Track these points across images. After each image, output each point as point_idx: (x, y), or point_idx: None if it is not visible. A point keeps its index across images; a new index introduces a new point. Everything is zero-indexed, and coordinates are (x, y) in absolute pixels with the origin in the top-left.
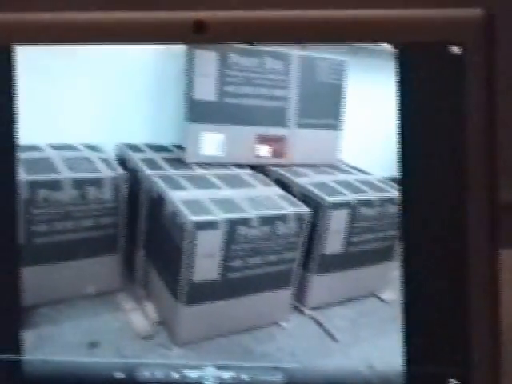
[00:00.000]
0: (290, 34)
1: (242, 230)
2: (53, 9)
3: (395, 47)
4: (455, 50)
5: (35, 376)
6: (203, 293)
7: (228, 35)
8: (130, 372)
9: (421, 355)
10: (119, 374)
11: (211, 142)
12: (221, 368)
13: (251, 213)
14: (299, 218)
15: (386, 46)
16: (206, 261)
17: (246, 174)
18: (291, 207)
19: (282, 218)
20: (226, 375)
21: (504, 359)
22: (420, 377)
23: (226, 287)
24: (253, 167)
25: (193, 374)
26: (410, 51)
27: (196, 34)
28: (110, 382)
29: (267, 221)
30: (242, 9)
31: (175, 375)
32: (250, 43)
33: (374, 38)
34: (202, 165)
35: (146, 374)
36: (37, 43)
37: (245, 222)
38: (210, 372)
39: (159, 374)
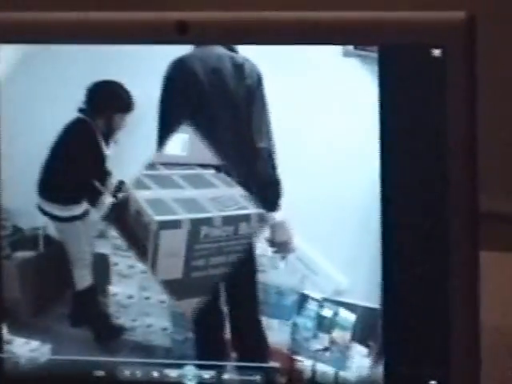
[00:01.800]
0: (273, 35)
1: (205, 229)
2: (37, 9)
3: (377, 49)
4: (436, 52)
5: (15, 373)
6: (167, 291)
7: (210, 36)
8: (110, 370)
9: (401, 358)
10: (99, 373)
11: (175, 141)
12: (201, 367)
13: (214, 213)
14: (262, 218)
15: None
16: (169, 260)
17: (209, 174)
18: (254, 207)
19: (245, 218)
20: (206, 374)
21: (483, 361)
22: (400, 379)
23: (190, 286)
24: (217, 167)
25: (173, 373)
26: (392, 53)
27: (178, 35)
28: (90, 380)
29: (230, 220)
30: (226, 10)
31: (155, 374)
32: (232, 44)
33: (356, 40)
34: (166, 164)
35: (126, 372)
36: (20, 42)
37: (208, 221)
38: (190, 371)
39: (139, 373)
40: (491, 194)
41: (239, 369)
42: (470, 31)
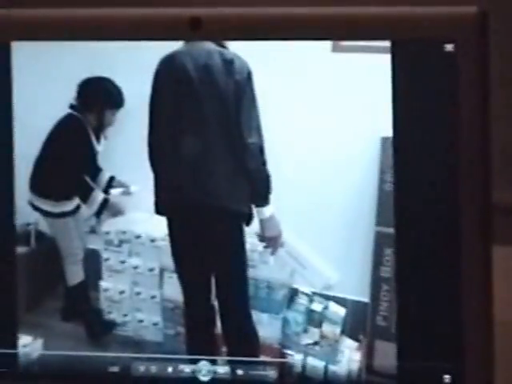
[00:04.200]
0: (285, 31)
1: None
2: (51, 5)
3: (390, 44)
4: (448, 47)
5: (31, 370)
6: None
7: (223, 32)
8: (124, 366)
9: (414, 353)
10: (114, 368)
11: None
12: (215, 362)
13: None
14: None
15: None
16: None
17: None
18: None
19: None
20: (220, 369)
21: (497, 355)
22: (414, 373)
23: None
24: None
25: (187, 368)
26: (404, 48)
27: (192, 31)
28: (104, 376)
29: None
30: (239, 5)
31: (169, 369)
32: (245, 39)
33: (370, 35)
34: None
35: (140, 368)
36: (34, 39)
37: None
38: (204, 366)
39: (154, 368)
40: (504, 187)
41: (253, 364)
42: (482, 26)
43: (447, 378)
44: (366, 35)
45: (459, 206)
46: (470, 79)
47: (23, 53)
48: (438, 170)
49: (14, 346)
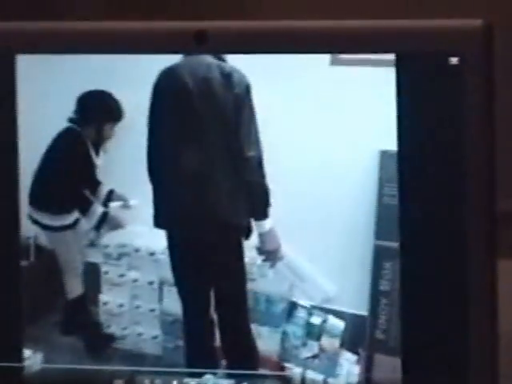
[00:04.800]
0: (290, 44)
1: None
2: (56, 18)
3: (395, 57)
4: (454, 60)
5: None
6: None
7: (229, 45)
8: (129, 379)
9: (418, 365)
10: (119, 382)
11: None
12: (220, 376)
13: None
14: None
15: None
16: None
17: None
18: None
19: None
20: (226, 383)
21: (501, 367)
22: None
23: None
24: None
25: (192, 382)
26: (409, 61)
27: (197, 44)
28: None
29: None
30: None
31: (175, 383)
32: (251, 53)
33: (374, 48)
34: None
35: (145, 381)
36: (38, 52)
37: None
38: (209, 379)
39: (159, 382)
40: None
41: (259, 377)
42: (488, 39)
43: None
44: (370, 48)
45: (464, 220)
46: (476, 92)
47: (26, 65)
48: (443, 183)
49: (19, 359)
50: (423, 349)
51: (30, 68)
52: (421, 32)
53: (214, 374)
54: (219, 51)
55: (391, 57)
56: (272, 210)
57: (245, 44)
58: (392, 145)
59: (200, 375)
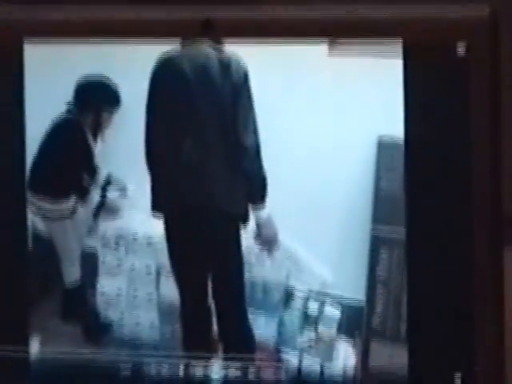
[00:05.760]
0: (297, 31)
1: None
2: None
3: (401, 44)
4: (460, 47)
5: (42, 372)
6: None
7: (235, 32)
8: (136, 367)
9: (426, 352)
10: (126, 369)
11: None
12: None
13: None
14: None
15: None
16: None
17: None
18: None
19: None
20: (232, 370)
21: (507, 358)
22: (425, 372)
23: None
24: None
25: (189, 368)
26: (415, 47)
27: (204, 31)
28: (116, 376)
29: None
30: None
31: (181, 370)
32: (257, 42)
33: (381, 34)
34: None
35: (152, 368)
36: (47, 39)
37: None
38: (216, 367)
39: (166, 369)
40: None
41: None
42: (494, 26)
43: (458, 377)
44: (376, 34)
45: (471, 212)
46: (482, 80)
47: (32, 53)
48: (449, 173)
49: (23, 346)
50: (429, 338)
51: (36, 55)
52: (427, 18)
53: (211, 360)
54: (225, 39)
55: (393, 48)
56: (269, 199)
57: (251, 31)
58: (390, 133)
59: (196, 361)
